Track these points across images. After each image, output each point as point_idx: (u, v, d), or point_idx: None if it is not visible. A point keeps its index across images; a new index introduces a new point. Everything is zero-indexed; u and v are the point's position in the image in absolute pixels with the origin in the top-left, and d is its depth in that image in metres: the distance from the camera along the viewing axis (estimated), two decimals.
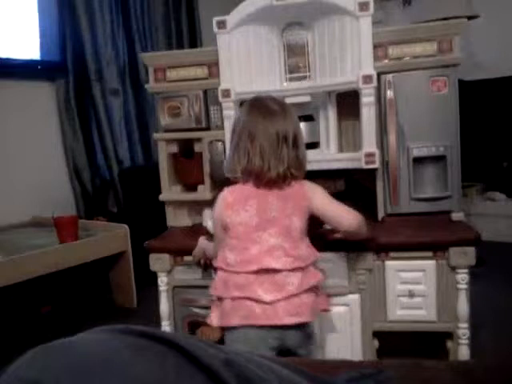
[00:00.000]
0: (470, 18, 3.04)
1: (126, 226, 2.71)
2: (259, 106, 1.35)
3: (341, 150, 1.83)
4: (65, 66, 3.10)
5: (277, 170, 1.29)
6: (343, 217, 1.36)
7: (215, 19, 1.71)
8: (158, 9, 3.74)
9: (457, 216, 1.67)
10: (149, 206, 3.09)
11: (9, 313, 2.41)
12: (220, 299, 1.34)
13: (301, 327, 1.31)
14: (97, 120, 3.33)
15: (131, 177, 3.28)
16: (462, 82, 3.98)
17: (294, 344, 1.32)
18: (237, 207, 1.33)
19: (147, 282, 2.77)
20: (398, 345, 1.71)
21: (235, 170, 1.34)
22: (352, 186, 1.84)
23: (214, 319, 1.36)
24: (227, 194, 1.36)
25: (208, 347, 0.53)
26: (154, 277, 1.73)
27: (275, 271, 1.28)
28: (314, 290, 1.34)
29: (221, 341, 1.39)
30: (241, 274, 1.30)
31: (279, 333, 1.29)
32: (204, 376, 0.48)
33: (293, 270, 1.29)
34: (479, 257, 3.06)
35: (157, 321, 1.96)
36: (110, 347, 0.48)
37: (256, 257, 1.29)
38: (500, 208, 3.60)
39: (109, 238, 2.65)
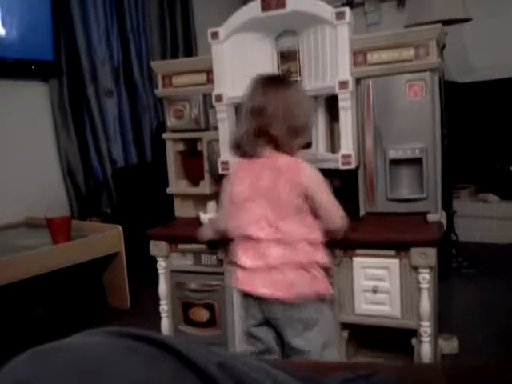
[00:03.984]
0: (463, 20, 3.05)
1: (120, 227, 2.70)
2: (251, 85, 1.43)
3: (333, 150, 1.88)
4: (59, 66, 3.09)
5: (251, 141, 1.36)
6: (332, 213, 1.38)
7: (209, 30, 1.82)
8: (152, 9, 3.73)
9: (433, 217, 1.68)
10: (142, 206, 3.10)
11: (1, 314, 2.39)
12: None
13: (284, 304, 1.30)
14: (91, 120, 3.31)
15: (125, 177, 3.27)
16: (455, 85, 4.00)
17: (275, 319, 1.33)
18: (233, 178, 1.44)
19: (140, 282, 2.78)
20: (371, 338, 1.79)
21: (229, 144, 1.46)
22: (349, 184, 1.86)
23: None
24: (231, 168, 1.53)
25: (202, 349, 0.53)
26: (147, 278, 1.75)
27: (258, 240, 1.34)
28: (308, 269, 1.32)
29: None
30: (235, 241, 1.42)
31: (259, 303, 1.34)
32: (197, 378, 0.47)
33: (274, 240, 1.32)
34: (474, 258, 3.11)
35: (150, 322, 1.97)
36: (104, 349, 0.48)
37: (243, 224, 1.38)
38: (493, 210, 3.62)
39: (102, 238, 2.64)
